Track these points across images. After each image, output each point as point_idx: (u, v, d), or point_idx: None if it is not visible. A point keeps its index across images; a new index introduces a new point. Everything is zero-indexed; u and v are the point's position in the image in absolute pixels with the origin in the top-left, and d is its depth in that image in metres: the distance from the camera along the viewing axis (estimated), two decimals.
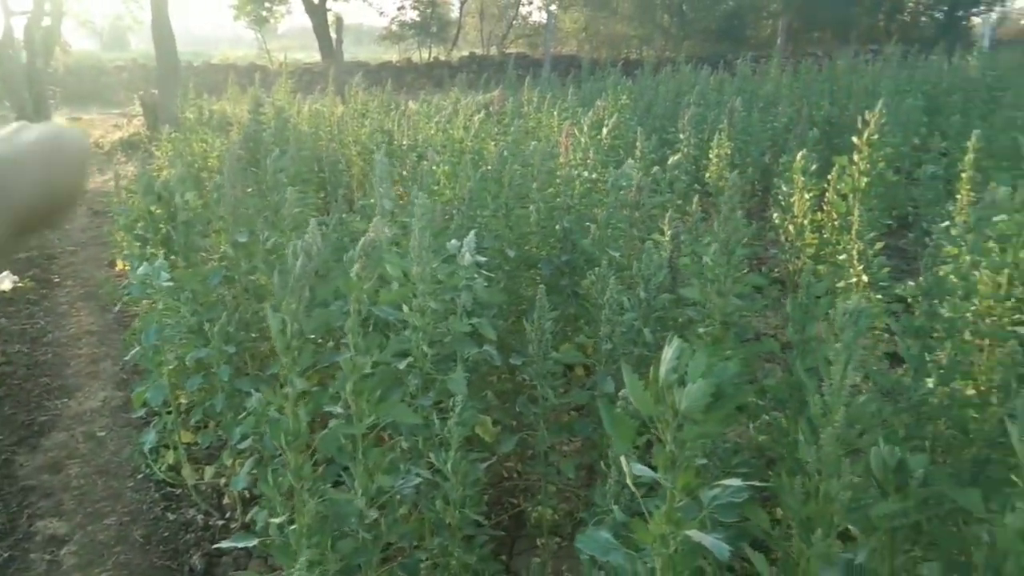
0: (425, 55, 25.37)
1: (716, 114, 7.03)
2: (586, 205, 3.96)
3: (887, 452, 1.25)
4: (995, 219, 2.05)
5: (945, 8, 26.10)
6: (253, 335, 2.99)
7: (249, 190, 4.09)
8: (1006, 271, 2.23)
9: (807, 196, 4.08)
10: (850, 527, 1.24)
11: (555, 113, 6.88)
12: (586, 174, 4.76)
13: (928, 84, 8.33)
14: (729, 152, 5.91)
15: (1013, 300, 2.38)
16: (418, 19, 26.61)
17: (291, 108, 7.95)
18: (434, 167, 4.64)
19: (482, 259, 2.23)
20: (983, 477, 1.68)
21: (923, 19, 26.46)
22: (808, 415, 1.15)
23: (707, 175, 5.91)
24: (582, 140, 5.29)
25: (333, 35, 16.97)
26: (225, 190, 2.73)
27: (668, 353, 1.08)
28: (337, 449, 1.39)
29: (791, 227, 4.23)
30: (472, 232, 2.17)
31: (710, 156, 5.91)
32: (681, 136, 6.05)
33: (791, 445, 1.35)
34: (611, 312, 2.35)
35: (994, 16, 25.44)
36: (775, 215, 4.47)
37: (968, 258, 1.99)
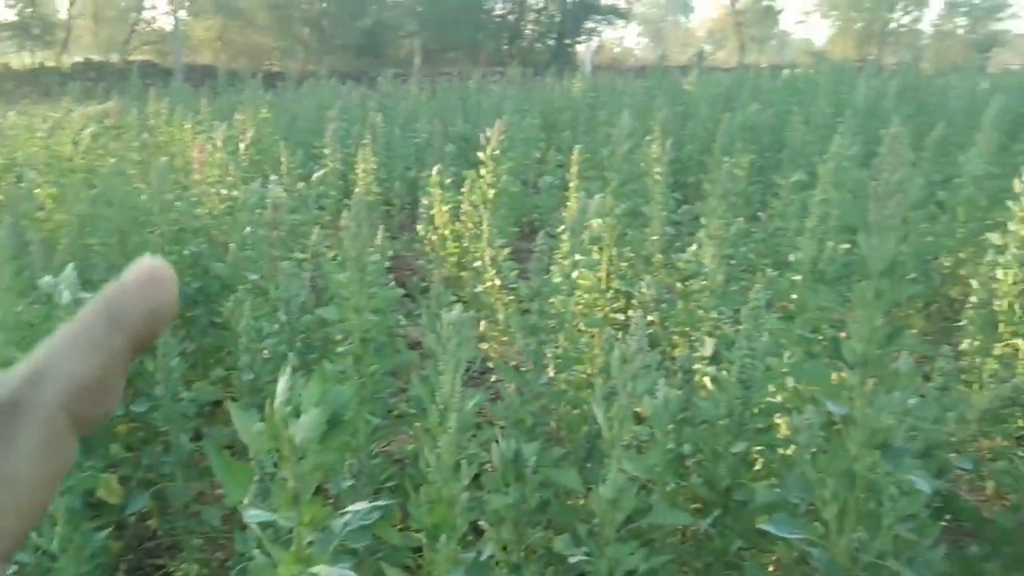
0: (28, 60, 21.87)
1: (360, 129, 7.13)
2: (229, 225, 3.72)
3: (505, 446, 1.35)
4: (590, 223, 2.35)
5: (555, 36, 29.78)
6: None
7: None
8: (603, 267, 2.59)
9: (445, 208, 4.31)
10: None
11: (188, 126, 6.38)
12: (224, 191, 4.49)
13: (544, 103, 9.38)
14: (376, 167, 6.01)
15: (611, 292, 2.77)
16: (16, 18, 22.84)
17: None
18: (36, 189, 3.99)
19: (88, 295, 1.95)
20: (595, 450, 1.92)
21: (538, 45, 29.87)
22: (426, 424, 1.19)
23: (356, 189, 5.96)
24: (218, 155, 4.96)
25: None
26: None
27: (281, 384, 1.03)
28: None
29: (434, 238, 4.44)
30: (71, 265, 1.89)
31: (357, 171, 5.97)
32: (326, 151, 6.02)
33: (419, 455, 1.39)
34: (249, 339, 2.22)
35: (593, 45, 29.69)
36: (420, 227, 4.66)
37: (570, 259, 2.26)
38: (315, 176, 5.41)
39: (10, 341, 1.58)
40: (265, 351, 2.37)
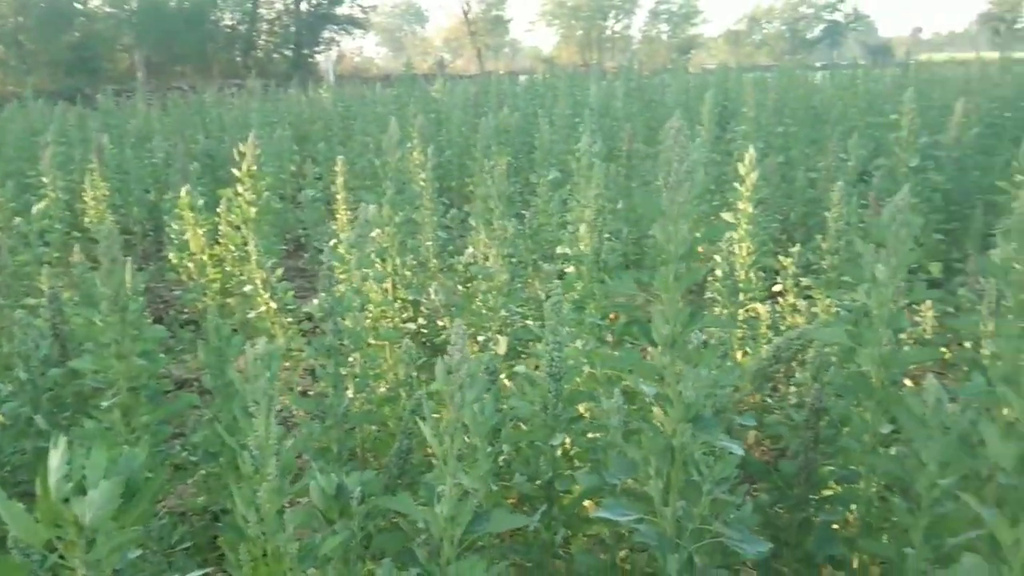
0: None
1: (83, 152, 6.35)
2: None
3: (325, 481, 1.25)
4: (372, 235, 2.27)
5: (292, 47, 28.86)
6: None
7: None
8: (390, 279, 2.53)
9: (201, 231, 3.97)
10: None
11: None
12: None
13: (292, 115, 9.02)
14: (107, 193, 5.39)
15: (399, 302, 2.71)
16: None
17: None
18: None
19: None
20: (408, 466, 1.86)
21: (275, 56, 28.75)
22: (239, 476, 1.07)
23: (87, 219, 5.31)
24: None
25: None
26: None
27: (54, 458, 0.86)
28: None
29: (191, 265, 4.07)
30: None
31: (85, 199, 5.31)
32: (45, 180, 5.28)
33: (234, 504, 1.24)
34: None
35: (334, 55, 29.21)
36: (171, 254, 4.24)
37: (357, 273, 2.17)
38: (35, 209, 4.72)
39: None
40: (2, 417, 2.01)
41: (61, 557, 0.89)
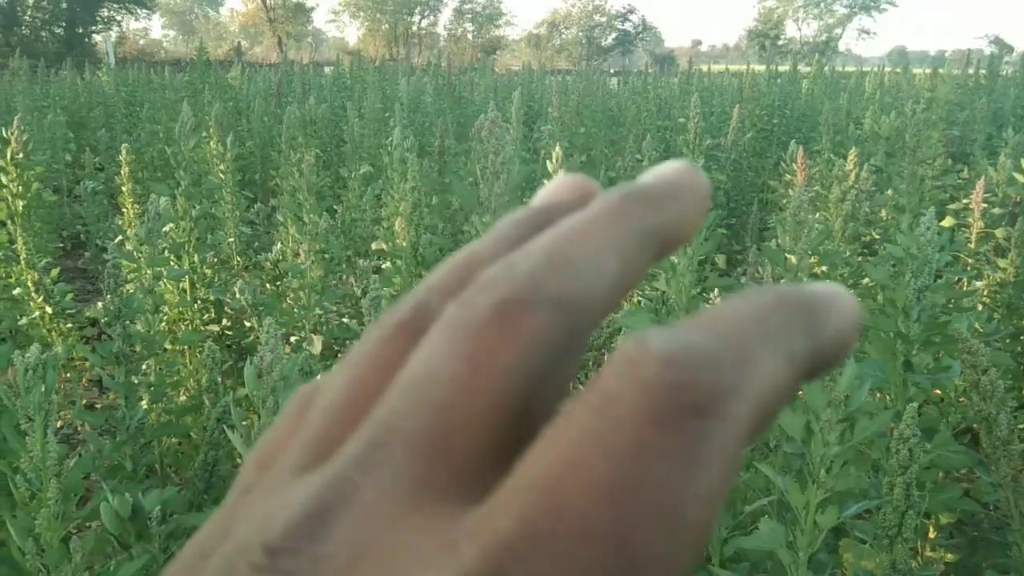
0: None
1: None
2: None
3: (118, 502, 1.12)
4: (164, 229, 2.09)
5: (64, 24, 26.01)
6: None
7: None
8: (187, 277, 2.33)
9: None
10: None
11: None
12: None
13: (66, 99, 8.12)
14: None
15: (199, 303, 2.51)
16: None
17: None
18: None
19: None
20: (215, 480, 1.73)
21: (44, 34, 25.78)
22: (13, 503, 0.92)
23: None
24: None
25: None
26: None
27: None
28: None
29: None
30: None
31: None
32: None
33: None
34: None
35: (114, 36, 26.70)
36: None
37: (149, 271, 1.98)
38: None
39: None
40: None
41: None
